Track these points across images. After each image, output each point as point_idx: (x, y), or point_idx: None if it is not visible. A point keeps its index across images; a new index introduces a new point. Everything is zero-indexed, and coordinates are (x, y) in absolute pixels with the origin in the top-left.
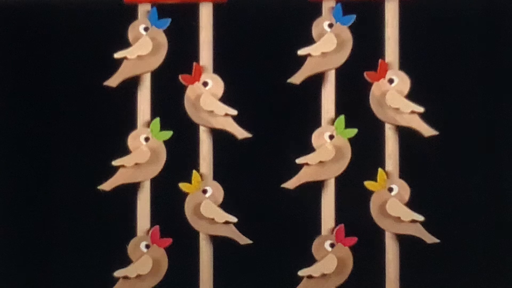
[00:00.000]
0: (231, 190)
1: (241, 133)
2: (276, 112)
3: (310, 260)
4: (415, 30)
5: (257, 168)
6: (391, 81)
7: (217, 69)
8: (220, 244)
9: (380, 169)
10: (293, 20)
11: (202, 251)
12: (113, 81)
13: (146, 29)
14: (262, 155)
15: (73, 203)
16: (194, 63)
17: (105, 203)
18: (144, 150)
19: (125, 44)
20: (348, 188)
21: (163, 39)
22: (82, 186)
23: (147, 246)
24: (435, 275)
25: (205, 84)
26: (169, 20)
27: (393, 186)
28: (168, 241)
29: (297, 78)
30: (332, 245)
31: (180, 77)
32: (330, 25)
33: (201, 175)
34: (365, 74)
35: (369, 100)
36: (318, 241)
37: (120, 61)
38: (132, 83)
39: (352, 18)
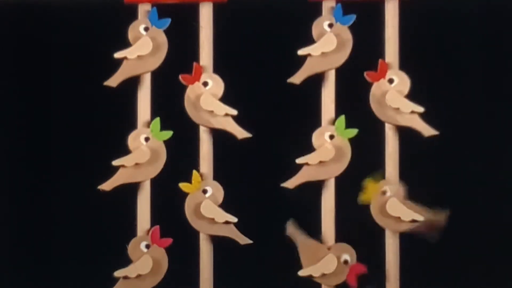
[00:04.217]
0: (231, 190)
1: (241, 133)
2: (276, 112)
3: None
4: (415, 30)
5: (257, 168)
6: (391, 81)
7: (217, 69)
8: (220, 244)
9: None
10: (293, 20)
11: (202, 251)
12: (113, 81)
13: (146, 29)
14: (262, 155)
15: (73, 203)
16: (194, 63)
17: (105, 203)
18: (144, 150)
19: (125, 44)
20: (348, 188)
21: (163, 39)
22: (82, 186)
23: (147, 246)
24: (435, 275)
25: (205, 84)
26: (169, 20)
27: (387, 188)
28: (168, 241)
29: (297, 78)
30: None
31: (180, 77)
32: (330, 25)
33: (201, 175)
34: (365, 74)
35: (369, 100)
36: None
37: (120, 61)
38: (132, 83)
39: (352, 18)
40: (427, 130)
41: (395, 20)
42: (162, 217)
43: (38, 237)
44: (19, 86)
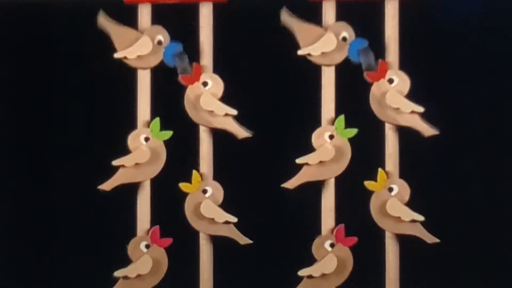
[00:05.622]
0: (231, 190)
1: (241, 133)
2: (276, 112)
3: (310, 260)
4: (415, 30)
5: (257, 168)
6: (391, 81)
7: (217, 69)
8: (220, 244)
9: (380, 169)
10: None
11: (202, 251)
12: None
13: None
14: (262, 155)
15: (73, 203)
16: (194, 63)
17: (105, 203)
18: (144, 150)
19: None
20: (348, 188)
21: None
22: (82, 186)
23: (147, 246)
24: (435, 275)
25: (204, 84)
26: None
27: (393, 186)
28: (168, 241)
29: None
30: (332, 245)
31: (180, 77)
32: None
33: (201, 175)
34: (365, 74)
35: (369, 100)
36: (318, 241)
37: (120, 61)
38: (132, 83)
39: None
40: (427, 130)
41: (395, 20)
42: (162, 217)
43: (38, 237)
44: (18, 86)
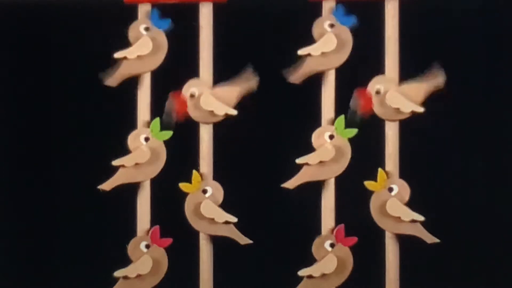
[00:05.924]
0: (231, 190)
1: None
2: (276, 112)
3: (310, 260)
4: (415, 30)
5: (257, 168)
6: (378, 91)
7: (216, 69)
8: (220, 244)
9: (380, 169)
10: (293, 20)
11: (202, 251)
12: (113, 81)
13: (146, 29)
14: (262, 155)
15: (73, 203)
16: (170, 93)
17: (105, 203)
18: (144, 150)
19: (125, 44)
20: (348, 188)
21: (163, 39)
22: (82, 186)
23: (147, 246)
24: (435, 275)
25: (192, 95)
26: (169, 20)
27: (393, 186)
28: (168, 241)
29: (297, 78)
30: (332, 245)
31: (173, 113)
32: (331, 25)
33: (201, 175)
34: (355, 107)
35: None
36: (318, 241)
37: (120, 61)
38: (132, 83)
39: (352, 19)
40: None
41: (395, 20)
42: (162, 217)
43: (38, 237)
44: (18, 86)
